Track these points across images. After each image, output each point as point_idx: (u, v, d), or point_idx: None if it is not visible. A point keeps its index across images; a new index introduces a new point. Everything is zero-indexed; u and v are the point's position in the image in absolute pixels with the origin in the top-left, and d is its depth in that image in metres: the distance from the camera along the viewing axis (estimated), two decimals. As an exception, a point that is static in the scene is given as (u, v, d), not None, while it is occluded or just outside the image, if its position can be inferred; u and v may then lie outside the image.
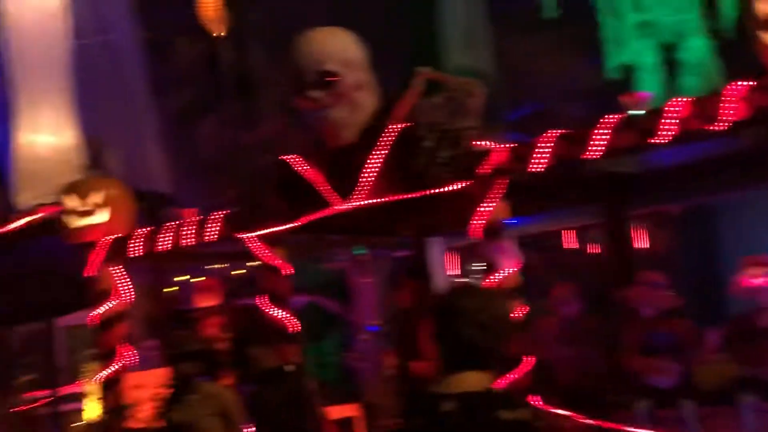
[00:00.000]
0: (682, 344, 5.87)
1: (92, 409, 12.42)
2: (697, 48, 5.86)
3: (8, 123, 9.38)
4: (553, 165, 5.16)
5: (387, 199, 5.79)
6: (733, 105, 4.48)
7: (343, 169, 5.90)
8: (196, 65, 9.56)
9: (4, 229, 8.84)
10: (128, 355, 7.77)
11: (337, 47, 5.85)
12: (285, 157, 6.23)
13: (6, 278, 10.31)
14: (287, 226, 6.22)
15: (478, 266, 14.88)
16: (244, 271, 11.67)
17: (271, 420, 4.12)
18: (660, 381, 5.82)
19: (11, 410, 7.66)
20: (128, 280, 7.67)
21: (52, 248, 10.60)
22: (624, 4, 6.13)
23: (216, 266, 9.38)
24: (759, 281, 5.87)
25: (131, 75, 9.48)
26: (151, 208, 8.56)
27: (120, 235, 7.58)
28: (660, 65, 6.13)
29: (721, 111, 4.51)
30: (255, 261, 6.83)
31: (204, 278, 9.42)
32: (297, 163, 6.16)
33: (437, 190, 5.54)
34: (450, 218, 7.42)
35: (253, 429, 4.09)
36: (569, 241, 9.84)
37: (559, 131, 5.12)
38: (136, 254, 7.41)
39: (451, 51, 7.50)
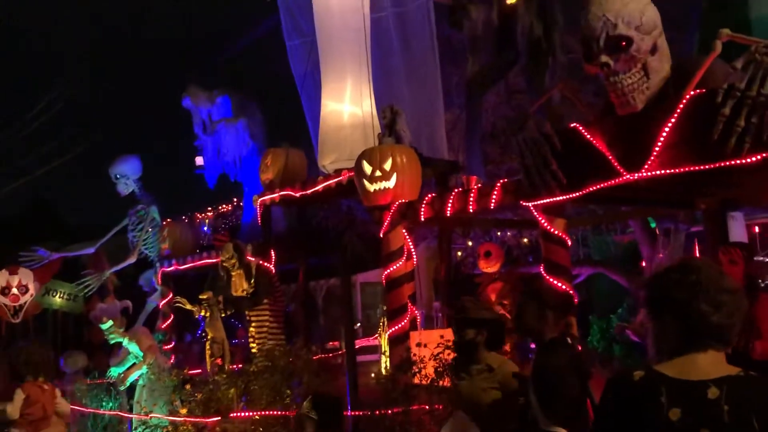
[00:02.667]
0: None
1: (383, 363, 13.27)
2: None
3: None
4: None
5: (682, 170, 5.43)
6: None
7: (634, 138, 5.63)
8: (488, 32, 9.58)
9: (312, 190, 9.58)
10: (414, 314, 8.17)
11: (631, 10, 5.56)
12: (571, 125, 6.09)
13: (310, 235, 11.26)
14: (570, 195, 6.10)
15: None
16: (526, 240, 11.72)
17: (551, 391, 4.07)
18: None
19: (313, 358, 8.35)
20: (416, 242, 8.05)
21: (350, 210, 11.39)
22: None
23: (500, 233, 9.48)
24: None
25: (423, 45, 9.78)
26: (438, 175, 8.83)
27: (409, 199, 7.95)
28: None
29: None
30: (537, 229, 6.81)
31: (487, 244, 9.55)
32: (583, 131, 5.99)
33: (736, 162, 5.11)
34: (754, 191, 6.87)
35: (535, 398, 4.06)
36: None
37: None
38: (425, 218, 7.72)
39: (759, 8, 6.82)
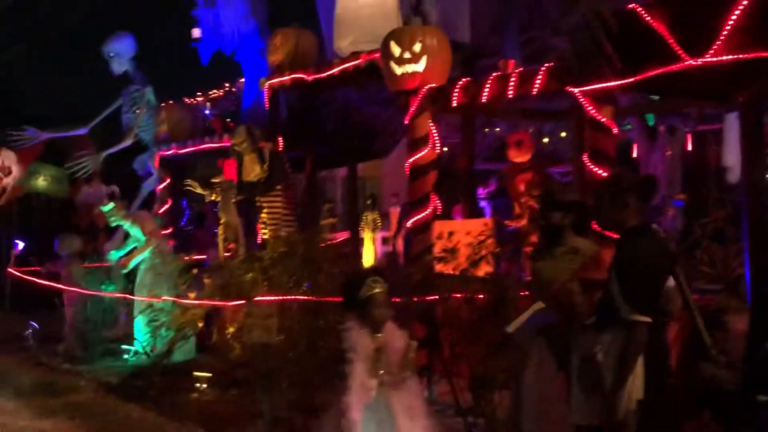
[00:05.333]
0: None
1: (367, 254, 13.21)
2: None
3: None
4: None
5: (748, 56, 5.16)
6: None
7: (698, 21, 5.33)
8: None
9: (328, 73, 9.19)
10: (437, 203, 7.97)
11: None
12: (629, 6, 5.76)
13: (317, 123, 10.90)
14: (623, 81, 5.82)
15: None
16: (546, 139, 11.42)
17: (637, 280, 3.91)
18: None
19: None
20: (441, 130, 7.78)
21: (353, 98, 11.01)
22: None
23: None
24: None
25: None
26: (466, 59, 8.48)
27: (439, 84, 7.62)
28: None
29: None
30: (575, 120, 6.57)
31: (518, 133, 9.28)
32: (643, 12, 5.66)
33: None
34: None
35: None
36: None
37: None
38: (457, 104, 7.41)
39: None
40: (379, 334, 4.06)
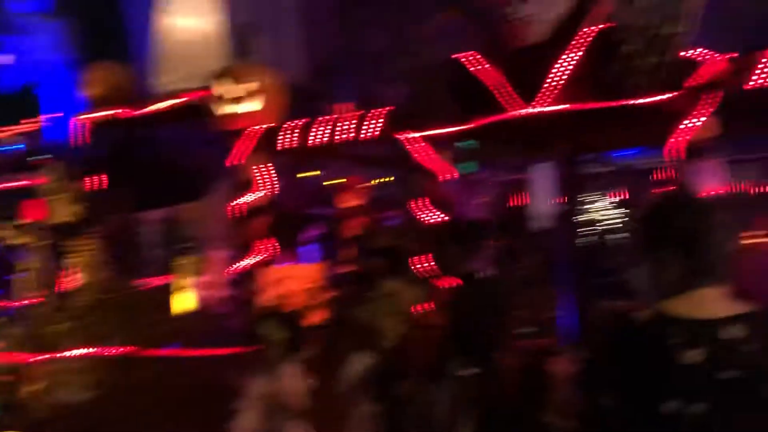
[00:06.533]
0: None
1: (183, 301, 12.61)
2: None
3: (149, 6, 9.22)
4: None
5: (575, 107, 5.37)
6: None
7: (531, 71, 5.50)
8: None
9: (148, 110, 8.74)
10: (268, 248, 7.69)
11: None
12: (461, 55, 5.86)
13: (134, 162, 10.35)
14: (462, 127, 5.89)
15: (596, 196, 14.48)
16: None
17: (463, 330, 3.87)
18: None
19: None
20: (274, 172, 7.53)
21: (175, 137, 10.57)
22: None
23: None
24: None
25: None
26: (299, 101, 8.31)
27: (269, 125, 7.39)
28: None
29: None
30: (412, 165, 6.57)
31: (352, 177, 9.20)
32: (474, 61, 5.78)
33: (637, 102, 5.11)
34: (622, 136, 7.00)
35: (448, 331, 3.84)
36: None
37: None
38: (288, 147, 7.21)
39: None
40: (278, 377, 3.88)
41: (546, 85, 5.41)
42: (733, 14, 7.65)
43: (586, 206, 14.12)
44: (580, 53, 5.30)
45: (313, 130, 6.93)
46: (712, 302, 2.38)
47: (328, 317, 6.04)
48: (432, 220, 6.06)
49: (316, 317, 5.98)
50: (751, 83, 4.75)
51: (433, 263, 4.48)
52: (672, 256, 2.44)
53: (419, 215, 6.21)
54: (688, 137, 4.98)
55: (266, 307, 6.19)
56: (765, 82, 4.71)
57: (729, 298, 2.40)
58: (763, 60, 4.69)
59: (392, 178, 11.06)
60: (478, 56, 5.79)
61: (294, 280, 6.26)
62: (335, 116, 7.02)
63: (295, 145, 7.17)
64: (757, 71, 4.72)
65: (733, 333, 2.31)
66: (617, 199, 13.88)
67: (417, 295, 4.47)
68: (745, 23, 8.10)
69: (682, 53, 4.97)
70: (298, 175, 8.85)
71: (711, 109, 4.92)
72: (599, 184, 13.58)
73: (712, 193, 4.94)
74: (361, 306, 4.45)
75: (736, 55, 4.85)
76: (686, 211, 2.47)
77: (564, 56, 5.35)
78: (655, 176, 11.04)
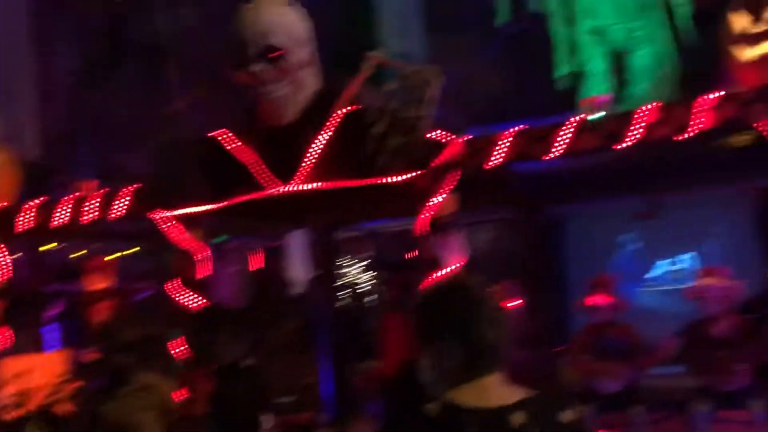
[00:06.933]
0: (632, 349, 5.96)
1: None
2: (647, 55, 5.98)
3: None
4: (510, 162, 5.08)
5: (330, 185, 5.50)
6: (702, 114, 4.56)
7: (284, 150, 5.56)
8: (94, 23, 8.72)
9: None
10: (2, 338, 7.04)
11: (285, 21, 5.51)
12: (214, 132, 5.82)
13: None
14: (214, 206, 5.80)
15: (350, 261, 14.86)
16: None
17: (228, 416, 3.74)
18: (608, 385, 5.87)
19: None
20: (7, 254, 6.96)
21: None
22: (578, 11, 6.16)
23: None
24: (602, 301, 6.12)
25: (13, 28, 8.51)
26: (35, 177, 7.77)
27: (4, 205, 6.86)
28: (610, 72, 6.21)
29: (690, 120, 4.57)
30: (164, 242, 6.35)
31: (94, 258, 8.67)
32: (227, 140, 5.75)
33: (386, 180, 5.33)
34: (377, 210, 7.26)
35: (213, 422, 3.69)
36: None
37: (522, 127, 5.06)
38: (24, 229, 6.70)
39: (386, 37, 7.29)
40: None
41: (300, 164, 5.49)
42: (468, 94, 8.29)
43: (342, 270, 14.44)
44: (331, 133, 5.44)
45: (56, 209, 6.51)
46: (497, 390, 2.46)
47: (78, 413, 5.61)
48: (187, 304, 5.88)
49: (64, 412, 5.53)
50: (490, 162, 5.11)
51: (190, 350, 4.28)
52: (451, 346, 2.49)
53: (173, 297, 6.00)
54: (432, 213, 5.26)
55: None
56: (502, 160, 5.09)
57: (509, 384, 2.49)
58: (500, 141, 5.08)
59: (139, 250, 10.63)
60: (231, 134, 5.77)
61: (35, 373, 5.74)
62: (78, 194, 6.65)
63: (34, 226, 6.68)
64: (495, 151, 5.09)
65: (520, 419, 2.39)
66: (371, 262, 14.31)
67: (175, 386, 4.26)
68: (481, 101, 8.83)
69: (428, 134, 5.25)
70: (40, 249, 8.21)
71: (451, 187, 5.24)
72: (354, 248, 13.93)
73: (456, 265, 5.21)
74: (114, 401, 4.15)
75: (471, 137, 5.22)
76: (460, 300, 2.54)
77: (317, 136, 5.47)
78: (406, 239, 11.58)
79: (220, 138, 5.78)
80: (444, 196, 5.25)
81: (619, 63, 6.11)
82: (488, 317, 2.51)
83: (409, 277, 6.99)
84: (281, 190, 5.55)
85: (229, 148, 5.75)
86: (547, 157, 4.97)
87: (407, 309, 7.00)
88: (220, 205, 5.80)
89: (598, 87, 6.00)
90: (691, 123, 4.56)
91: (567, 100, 6.42)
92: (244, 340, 4.05)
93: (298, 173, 5.50)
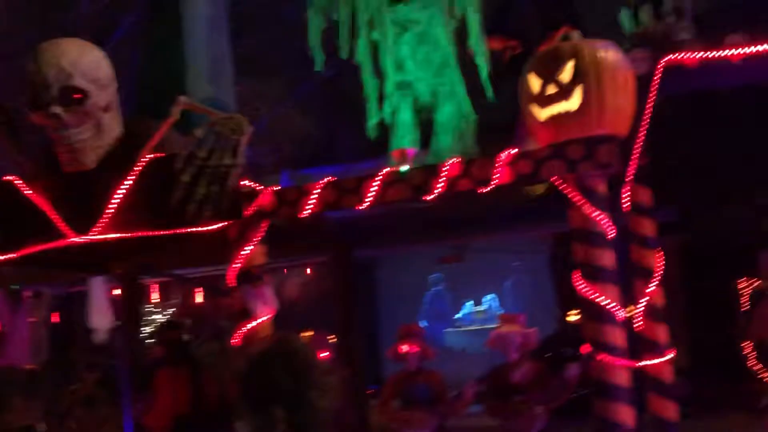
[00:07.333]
0: (438, 397, 6.07)
1: None
2: (448, 111, 6.23)
3: None
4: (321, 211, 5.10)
5: (131, 235, 5.27)
6: (500, 170, 4.79)
7: (83, 198, 5.27)
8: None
9: None
10: None
11: (88, 62, 5.24)
12: (4, 178, 5.42)
13: None
14: (6, 256, 5.39)
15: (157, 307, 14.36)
16: None
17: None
18: (415, 432, 5.96)
19: None
20: None
21: None
22: (386, 64, 6.33)
23: None
24: (410, 350, 6.37)
25: None
26: None
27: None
28: (416, 125, 6.40)
29: (491, 174, 4.79)
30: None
31: None
32: (20, 186, 5.38)
33: (194, 229, 5.17)
34: (185, 257, 7.04)
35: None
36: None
37: (332, 178, 5.09)
38: None
39: (196, 82, 7.11)
40: None
41: (101, 212, 5.22)
42: (280, 138, 8.31)
43: (147, 317, 13.89)
44: (136, 180, 5.22)
45: None
46: None
47: None
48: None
49: None
50: (304, 212, 5.10)
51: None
52: (278, 414, 2.40)
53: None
54: (241, 263, 5.18)
55: None
56: (312, 211, 5.10)
57: None
58: (311, 192, 5.09)
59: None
60: (23, 181, 5.39)
61: None
62: None
63: None
64: (306, 202, 5.10)
65: None
66: (178, 308, 13.88)
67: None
68: (293, 145, 8.89)
69: (239, 184, 5.17)
70: None
71: (259, 237, 5.19)
72: (161, 293, 13.49)
73: (267, 316, 5.14)
74: None
75: (281, 187, 5.19)
76: (287, 368, 2.45)
77: (120, 183, 5.23)
78: (216, 284, 11.31)
79: (10, 185, 5.39)
80: (253, 246, 5.18)
81: (427, 116, 6.34)
82: (318, 384, 2.46)
83: (178, 334, 6.97)
84: (78, 240, 5.24)
85: (21, 195, 5.36)
86: (358, 208, 5.03)
87: (177, 363, 6.94)
88: (11, 255, 5.39)
89: (405, 138, 6.18)
90: (492, 177, 4.78)
91: (377, 147, 6.59)
92: (40, 401, 3.76)
93: (99, 221, 5.22)
